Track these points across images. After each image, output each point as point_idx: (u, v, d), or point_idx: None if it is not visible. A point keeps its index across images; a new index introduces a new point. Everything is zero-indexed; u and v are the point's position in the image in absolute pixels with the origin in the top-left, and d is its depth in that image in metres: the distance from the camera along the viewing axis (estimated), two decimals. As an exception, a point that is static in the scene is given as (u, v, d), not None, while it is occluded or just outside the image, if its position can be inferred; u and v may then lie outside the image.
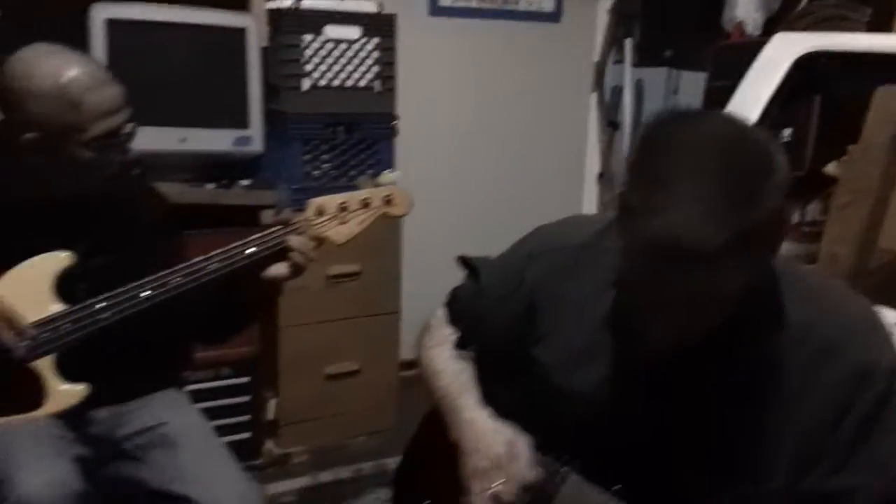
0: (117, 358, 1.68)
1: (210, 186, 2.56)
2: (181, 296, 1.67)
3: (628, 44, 3.51)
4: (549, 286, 1.28)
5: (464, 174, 3.48)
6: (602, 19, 3.66)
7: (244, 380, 2.72)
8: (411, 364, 3.47)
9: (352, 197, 1.74)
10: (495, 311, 1.36)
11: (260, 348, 2.75)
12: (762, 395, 1.10)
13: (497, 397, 1.33)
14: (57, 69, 1.54)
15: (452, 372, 1.38)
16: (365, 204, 1.75)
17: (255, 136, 2.60)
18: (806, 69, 2.33)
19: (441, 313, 1.48)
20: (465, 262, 1.44)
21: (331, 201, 1.73)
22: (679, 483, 1.13)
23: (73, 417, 1.63)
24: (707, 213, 0.94)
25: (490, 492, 1.22)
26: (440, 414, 1.36)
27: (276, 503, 2.68)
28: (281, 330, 2.80)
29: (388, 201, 1.77)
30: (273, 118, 2.70)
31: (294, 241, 1.67)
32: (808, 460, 1.08)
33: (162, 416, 1.74)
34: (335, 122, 2.75)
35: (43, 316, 1.58)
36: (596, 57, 3.69)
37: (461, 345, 1.42)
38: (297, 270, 1.70)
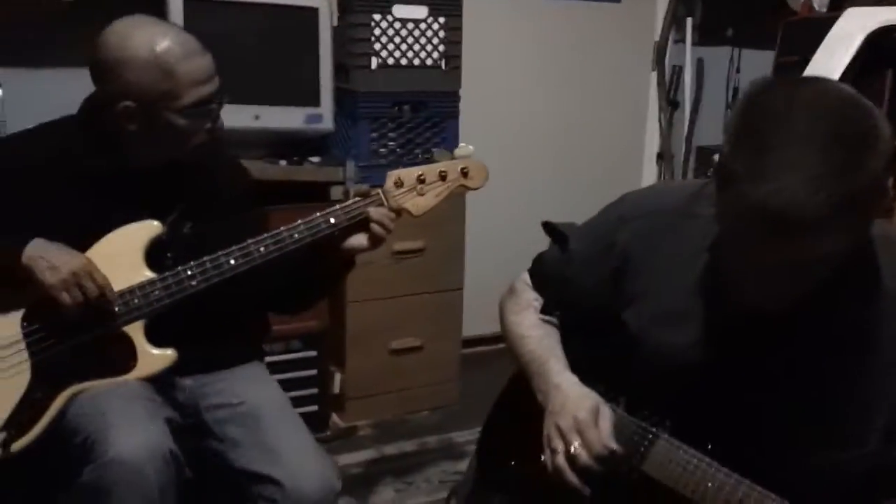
0: (203, 326, 1.74)
1: (282, 163, 2.62)
2: (265, 265, 1.73)
3: (689, 23, 3.49)
4: (641, 249, 1.29)
5: (525, 152, 3.50)
6: (663, -1, 3.64)
7: (312, 353, 2.78)
8: (474, 341, 3.53)
9: (429, 169, 1.78)
10: (583, 276, 1.38)
11: (328, 323, 2.80)
12: (857, 361, 1.11)
13: (582, 362, 1.35)
14: (151, 39, 1.60)
15: (538, 337, 1.40)
16: (442, 176, 1.78)
17: (325, 114, 2.65)
18: (878, 44, 2.31)
19: (525, 278, 1.50)
20: (550, 227, 1.46)
21: (409, 173, 1.77)
22: (769, 445, 1.14)
23: (161, 383, 1.70)
24: (814, 181, 0.94)
25: (568, 453, 1.23)
26: (525, 377, 1.39)
27: (342, 475, 2.73)
28: (348, 305, 2.86)
29: (464, 174, 1.80)
30: (342, 97, 2.75)
31: (374, 212, 1.71)
32: None
33: (243, 393, 1.78)
34: (402, 101, 2.79)
35: (134, 283, 1.65)
36: (656, 37, 3.67)
37: (546, 310, 1.44)
38: (375, 241, 1.74)
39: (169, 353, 1.66)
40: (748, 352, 1.16)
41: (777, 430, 1.14)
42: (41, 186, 1.65)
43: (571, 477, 1.22)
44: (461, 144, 1.84)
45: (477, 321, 3.31)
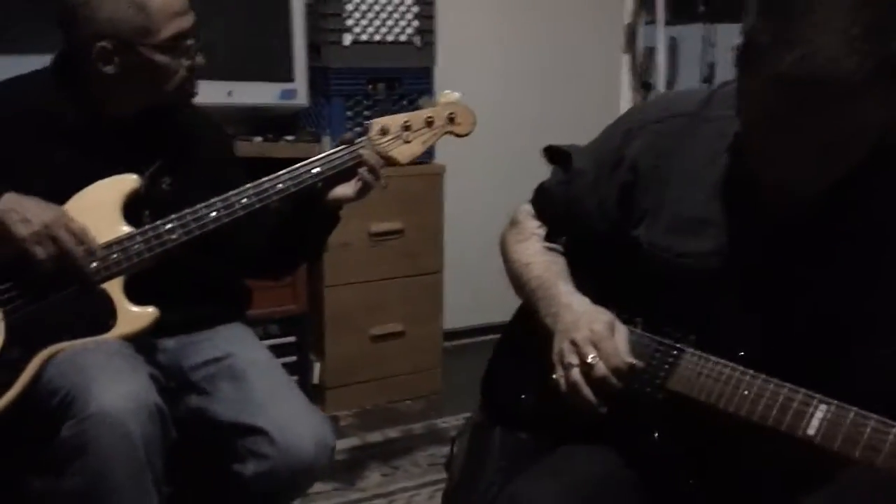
0: (185, 285, 1.67)
1: (257, 139, 2.55)
2: (247, 219, 1.65)
3: (660, 2, 3.49)
4: (652, 159, 1.24)
5: (500, 132, 3.46)
6: (632, -21, 3.64)
7: (291, 339, 2.70)
8: (455, 334, 3.47)
9: (415, 116, 1.73)
10: (591, 195, 1.32)
11: (306, 307, 2.73)
12: (891, 257, 1.06)
13: (592, 288, 1.29)
14: None
15: (544, 262, 1.34)
16: (428, 122, 1.73)
17: (299, 90, 2.60)
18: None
19: (527, 208, 1.44)
20: (551, 151, 1.41)
21: (394, 121, 1.72)
22: (803, 348, 1.09)
23: (142, 343, 1.61)
24: (848, 42, 0.90)
25: (584, 365, 1.15)
26: (531, 307, 1.32)
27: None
28: (325, 289, 2.78)
29: (451, 119, 1.76)
30: (316, 74, 2.69)
31: (365, 153, 1.65)
32: None
33: (228, 348, 1.71)
34: (376, 78, 2.74)
35: (112, 237, 1.57)
36: (627, 18, 3.68)
37: (551, 237, 1.38)
38: (363, 189, 1.68)
39: (150, 311, 1.58)
40: (776, 253, 1.11)
41: (812, 331, 1.09)
42: (14, 140, 1.58)
43: (588, 392, 1.15)
44: (446, 91, 1.79)
45: (458, 312, 3.26)
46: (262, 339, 2.57)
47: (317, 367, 2.86)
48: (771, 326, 1.11)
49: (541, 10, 3.52)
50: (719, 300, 1.15)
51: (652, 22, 3.58)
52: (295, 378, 2.68)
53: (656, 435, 1.17)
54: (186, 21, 1.59)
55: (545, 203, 1.41)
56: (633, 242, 1.25)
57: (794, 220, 1.10)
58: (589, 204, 1.33)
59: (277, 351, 2.63)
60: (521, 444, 1.31)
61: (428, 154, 2.89)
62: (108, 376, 1.44)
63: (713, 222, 1.17)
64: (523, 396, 1.35)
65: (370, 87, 2.74)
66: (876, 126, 0.97)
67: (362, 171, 1.65)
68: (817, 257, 1.10)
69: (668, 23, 3.51)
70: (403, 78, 2.78)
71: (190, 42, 1.60)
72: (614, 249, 1.29)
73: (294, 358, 2.71)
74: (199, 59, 1.63)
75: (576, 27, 3.58)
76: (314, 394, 2.84)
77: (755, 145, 1.06)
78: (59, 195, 1.55)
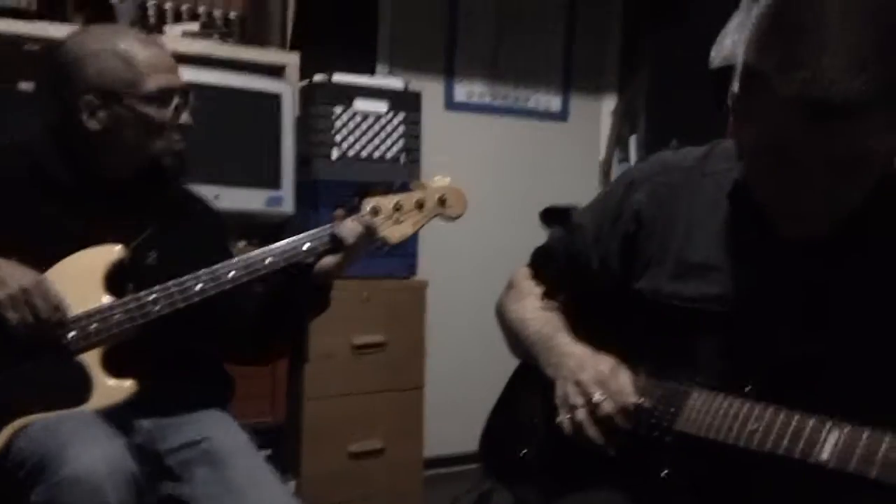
0: (166, 363, 1.62)
1: (241, 244, 2.55)
2: (235, 294, 1.63)
3: (633, 141, 3.63)
4: (656, 208, 1.24)
5: (481, 251, 3.50)
6: (607, 118, 3.79)
7: (265, 452, 2.58)
8: (436, 462, 3.34)
9: (407, 197, 1.74)
10: (592, 249, 1.32)
11: (283, 419, 2.64)
12: None
13: (592, 342, 1.26)
14: (109, 34, 1.62)
15: (542, 317, 1.33)
16: (419, 205, 1.74)
17: (286, 197, 2.62)
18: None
19: (523, 271, 1.44)
20: (550, 213, 1.41)
21: (386, 201, 1.72)
22: (811, 391, 1.05)
23: (118, 421, 1.54)
24: (854, 63, 0.90)
25: (590, 405, 1.12)
26: (530, 364, 1.30)
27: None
28: (305, 401, 2.70)
29: (442, 202, 1.76)
30: (303, 185, 2.73)
31: (346, 224, 1.64)
32: None
33: (206, 432, 1.64)
34: (364, 191, 2.77)
35: (92, 307, 1.53)
36: (601, 155, 3.80)
37: (549, 295, 1.37)
38: (348, 257, 1.65)
39: (127, 385, 1.52)
40: (785, 293, 1.10)
41: (821, 367, 1.06)
42: (7, 201, 1.57)
43: (594, 432, 1.11)
44: (437, 176, 1.82)
45: (440, 437, 3.16)
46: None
47: (291, 485, 2.73)
48: (777, 363, 1.09)
49: (523, 142, 3.65)
50: (725, 343, 1.13)
51: (625, 160, 3.71)
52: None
53: (665, 473, 1.13)
54: (173, 78, 1.62)
55: (545, 260, 1.41)
56: (634, 295, 1.24)
57: (803, 260, 1.09)
58: (591, 258, 1.33)
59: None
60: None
61: (410, 269, 2.93)
62: (82, 440, 1.36)
63: (718, 267, 1.17)
64: (525, 451, 1.30)
65: (357, 198, 2.77)
66: (883, 152, 0.97)
67: (345, 237, 1.63)
68: (825, 294, 1.09)
69: (642, 158, 3.63)
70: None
71: (177, 99, 1.62)
72: (615, 304, 1.28)
73: (268, 473, 2.58)
74: (186, 118, 1.64)
75: (555, 161, 3.70)
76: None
77: (762, 179, 1.05)
78: (48, 257, 1.53)
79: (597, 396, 1.13)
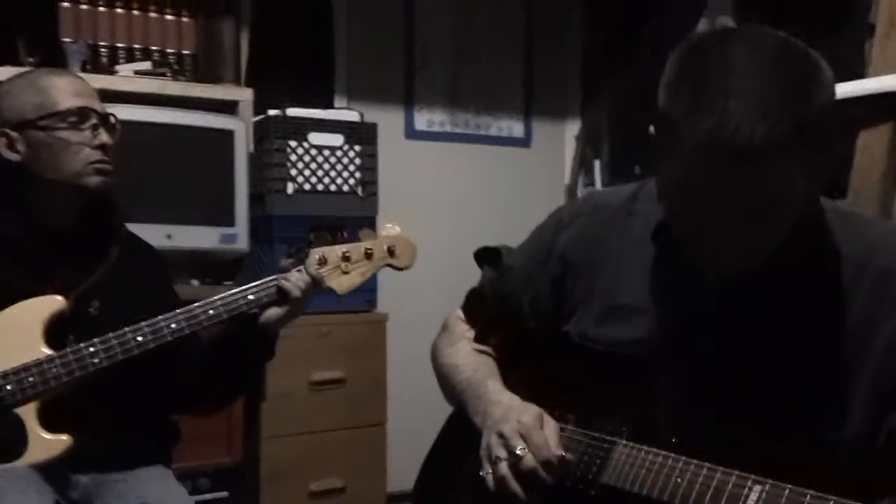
0: (105, 417, 1.59)
1: (194, 283, 2.52)
2: (177, 349, 1.60)
3: (597, 165, 3.64)
4: (582, 250, 1.24)
5: (443, 282, 3.46)
6: (571, 143, 3.80)
7: (223, 495, 2.55)
8: (400, 497, 3.29)
9: (355, 247, 1.72)
10: (522, 291, 1.31)
11: (240, 459, 2.60)
12: (825, 334, 1.05)
13: (523, 387, 1.25)
14: (27, 73, 1.65)
15: (472, 364, 1.32)
16: (368, 255, 1.72)
17: (240, 234, 2.60)
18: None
19: (457, 313, 1.42)
20: (482, 253, 1.40)
21: (333, 251, 1.71)
22: (738, 430, 1.05)
23: (54, 476, 1.51)
24: (759, 107, 0.90)
25: (512, 460, 1.10)
26: (460, 412, 1.28)
27: None
28: (263, 441, 2.66)
29: (391, 252, 1.75)
30: (258, 221, 2.71)
31: (291, 276, 1.63)
32: (889, 395, 1.01)
33: (145, 494, 1.61)
34: (318, 225, 2.75)
35: (30, 359, 1.50)
36: (566, 180, 3.80)
37: (480, 338, 1.36)
38: (294, 309, 1.64)
39: (64, 439, 1.49)
40: (707, 334, 1.09)
41: (745, 414, 1.05)
42: None
43: (516, 487, 1.09)
44: (387, 225, 1.80)
45: (404, 473, 3.12)
46: (191, 493, 2.43)
47: (251, 526, 2.69)
48: (703, 411, 1.08)
49: (486, 169, 3.64)
50: (653, 387, 1.12)
51: (591, 184, 3.71)
52: (226, 538, 2.53)
53: None
54: (87, 101, 1.61)
55: (475, 303, 1.40)
56: (564, 338, 1.23)
57: (724, 301, 1.09)
58: (521, 300, 1.31)
59: (207, 508, 2.50)
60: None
61: (370, 302, 2.90)
62: (10, 499, 1.34)
63: (643, 309, 1.16)
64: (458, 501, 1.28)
65: (313, 235, 2.74)
66: (801, 194, 0.97)
67: (289, 287, 1.63)
68: (749, 336, 1.08)
69: (607, 183, 3.63)
70: (346, 226, 2.79)
71: (94, 120, 1.60)
72: (545, 347, 1.27)
73: (225, 515, 2.55)
74: (104, 137, 1.61)
75: (519, 188, 3.69)
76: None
77: (681, 217, 1.05)
78: None
79: (519, 450, 1.10)
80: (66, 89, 1.59)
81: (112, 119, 1.64)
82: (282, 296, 1.64)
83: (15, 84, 1.61)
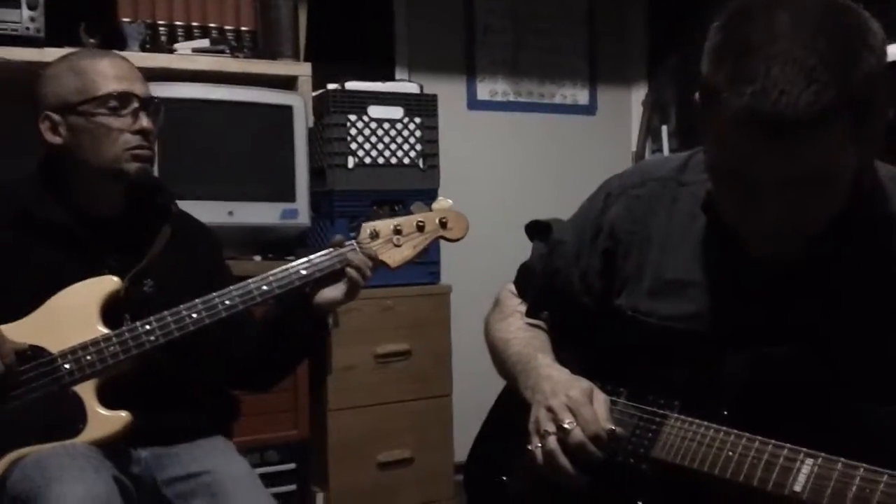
0: (163, 393, 1.62)
1: (257, 258, 2.54)
2: (232, 326, 1.61)
3: (664, 131, 3.53)
4: (630, 224, 1.21)
5: (506, 255, 3.44)
6: (637, 110, 3.70)
7: (290, 466, 2.59)
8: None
9: (406, 220, 1.71)
10: (573, 265, 1.29)
11: (308, 433, 2.63)
12: (884, 304, 1.00)
13: (575, 361, 1.23)
14: (71, 55, 1.65)
15: (524, 338, 1.30)
16: (420, 227, 1.71)
17: (301, 210, 2.61)
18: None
19: (509, 287, 1.41)
20: (533, 226, 1.38)
21: (385, 224, 1.69)
22: (792, 405, 1.01)
23: (115, 451, 1.54)
24: (804, 74, 0.87)
25: (560, 434, 1.08)
26: (511, 387, 1.27)
27: None
28: (329, 413, 2.69)
29: (443, 224, 1.73)
30: (319, 196, 2.72)
31: (353, 255, 1.62)
32: None
33: (206, 464, 1.62)
34: (380, 200, 2.75)
35: (87, 338, 1.53)
36: (633, 147, 3.71)
37: (532, 312, 1.34)
38: (351, 290, 1.63)
39: (122, 416, 1.52)
40: (760, 308, 1.05)
41: (800, 388, 1.02)
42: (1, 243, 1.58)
43: (564, 462, 1.07)
44: (439, 198, 1.78)
45: (469, 443, 3.13)
46: (258, 466, 2.49)
47: (320, 497, 2.73)
48: (756, 385, 1.04)
49: (550, 139, 3.58)
50: (704, 362, 1.09)
51: (658, 150, 3.62)
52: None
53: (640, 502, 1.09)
54: (129, 85, 1.60)
55: (526, 278, 1.38)
56: (616, 312, 1.21)
57: (777, 274, 1.05)
58: (571, 274, 1.29)
59: (276, 480, 2.54)
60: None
61: (433, 275, 2.89)
62: (68, 477, 1.36)
63: (695, 283, 1.13)
64: (505, 479, 1.27)
65: (374, 208, 2.74)
66: (850, 164, 0.93)
67: (350, 271, 1.61)
68: (803, 311, 1.04)
69: (674, 150, 3.53)
70: (407, 200, 2.78)
71: (135, 105, 1.60)
72: (597, 321, 1.24)
73: (293, 487, 2.58)
74: (147, 123, 1.61)
75: (584, 153, 3.62)
76: (318, 527, 2.71)
77: (725, 194, 1.01)
78: (43, 296, 1.54)
79: (567, 423, 1.08)
80: (106, 73, 1.59)
81: (154, 102, 1.65)
82: (337, 272, 1.63)
83: (58, 67, 1.62)
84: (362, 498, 2.75)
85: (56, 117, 1.58)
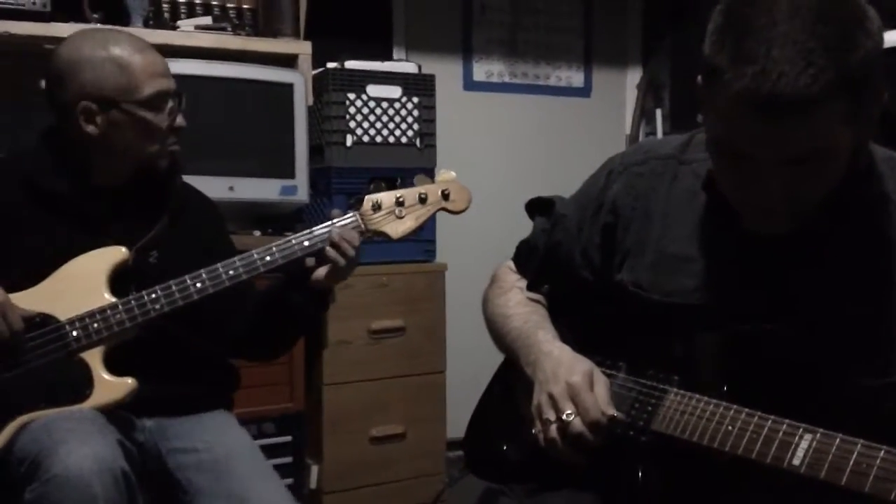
0: (168, 363, 1.66)
1: (256, 233, 2.58)
2: (235, 297, 1.65)
3: (658, 114, 3.57)
4: (633, 199, 1.24)
5: (501, 233, 3.48)
6: (632, 92, 3.74)
7: (286, 438, 2.63)
8: (459, 443, 3.34)
9: (409, 192, 1.73)
10: (573, 241, 1.32)
11: (303, 406, 2.67)
12: (877, 281, 1.04)
13: (575, 335, 1.27)
14: (104, 39, 1.63)
15: (524, 313, 1.33)
16: (422, 199, 1.73)
17: (300, 186, 2.63)
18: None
19: (508, 264, 1.44)
20: (534, 203, 1.41)
21: (387, 196, 1.72)
22: (790, 379, 1.05)
23: (121, 419, 1.58)
24: (803, 56, 0.90)
25: (560, 423, 1.12)
26: (512, 360, 1.30)
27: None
28: (324, 387, 2.74)
29: (445, 196, 1.75)
30: (317, 173, 2.75)
31: (333, 232, 1.63)
32: None
33: (210, 439, 1.67)
34: (377, 177, 2.77)
35: (94, 307, 1.57)
36: (628, 130, 3.75)
37: (532, 287, 1.37)
38: (334, 269, 1.65)
39: (128, 382, 1.55)
40: (758, 284, 1.09)
41: (796, 363, 1.05)
42: (6, 214, 1.60)
43: (565, 450, 1.11)
44: (442, 170, 1.81)
45: (462, 420, 3.17)
46: (256, 437, 2.52)
47: (314, 470, 2.77)
48: (754, 361, 1.08)
49: (545, 120, 3.61)
50: (704, 337, 1.12)
51: (652, 133, 3.66)
52: (290, 481, 2.61)
53: (640, 475, 1.12)
54: (167, 82, 1.64)
55: (527, 252, 1.40)
56: (616, 287, 1.23)
57: (775, 251, 1.08)
58: (572, 249, 1.32)
59: (272, 451, 2.58)
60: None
61: (429, 253, 2.93)
62: (75, 439, 1.40)
63: (696, 258, 1.16)
64: (505, 448, 1.30)
65: (371, 185, 2.77)
66: (846, 145, 0.96)
67: (329, 250, 1.63)
68: (800, 287, 1.08)
69: (668, 132, 3.57)
70: (405, 178, 2.81)
71: (171, 103, 1.64)
72: (597, 295, 1.27)
73: (289, 459, 2.63)
74: (181, 121, 1.66)
75: (578, 135, 3.66)
76: (311, 499, 2.76)
77: (725, 172, 1.04)
78: (50, 266, 1.57)
79: (566, 415, 1.12)
80: (149, 70, 1.61)
81: (183, 99, 1.68)
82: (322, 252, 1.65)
83: (96, 56, 1.60)
84: (355, 471, 2.80)
85: (94, 107, 1.59)
